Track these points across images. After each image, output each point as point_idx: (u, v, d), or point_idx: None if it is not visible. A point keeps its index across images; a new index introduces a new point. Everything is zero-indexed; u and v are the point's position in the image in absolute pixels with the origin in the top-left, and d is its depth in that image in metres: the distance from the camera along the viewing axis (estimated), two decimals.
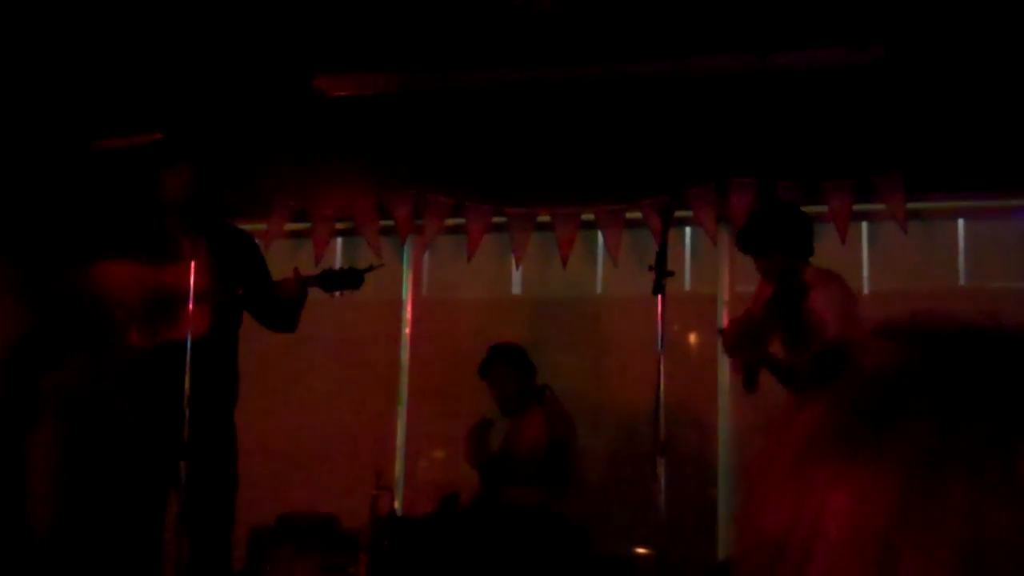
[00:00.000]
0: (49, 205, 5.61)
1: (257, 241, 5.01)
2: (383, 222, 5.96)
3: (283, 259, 5.82)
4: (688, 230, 5.81)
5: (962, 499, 0.52)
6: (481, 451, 5.29)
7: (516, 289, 6.22)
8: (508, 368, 5.26)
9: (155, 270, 4.18)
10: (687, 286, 5.82)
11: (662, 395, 3.84)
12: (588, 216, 5.76)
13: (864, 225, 5.70)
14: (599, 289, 6.08)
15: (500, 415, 5.33)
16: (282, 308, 4.32)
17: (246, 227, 4.91)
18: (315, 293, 4.37)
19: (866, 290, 5.73)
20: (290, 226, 6.07)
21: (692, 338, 5.78)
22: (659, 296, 3.88)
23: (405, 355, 6.14)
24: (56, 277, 4.35)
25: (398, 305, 6.19)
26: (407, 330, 6.17)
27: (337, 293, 4.27)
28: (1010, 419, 0.54)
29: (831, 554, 0.54)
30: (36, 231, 5.33)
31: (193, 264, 3.97)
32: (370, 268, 4.30)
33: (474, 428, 5.33)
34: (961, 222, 5.70)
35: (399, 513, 5.50)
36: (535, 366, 5.31)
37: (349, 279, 4.24)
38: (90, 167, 5.82)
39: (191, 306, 3.95)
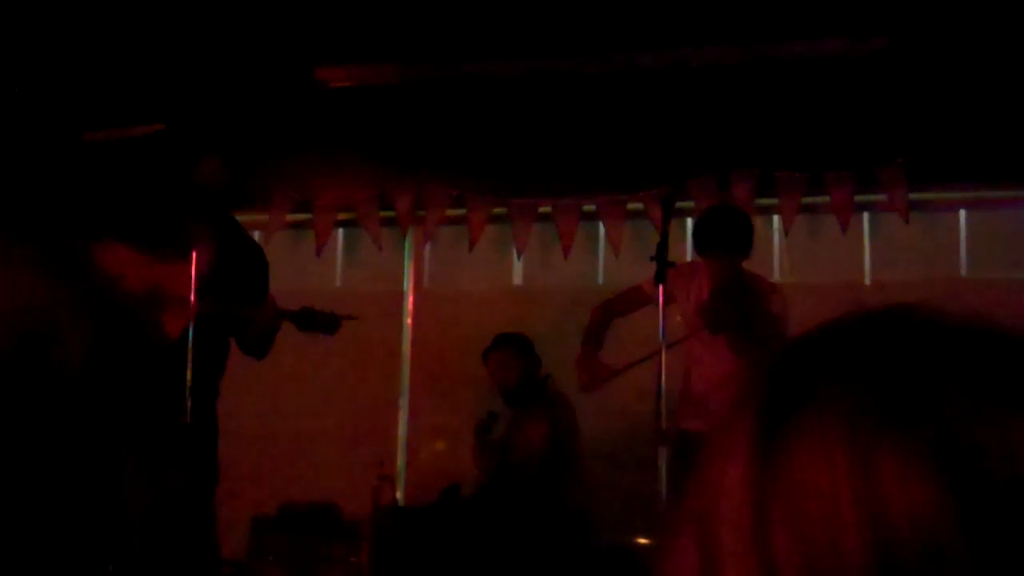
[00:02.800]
0: (57, 194, 5.61)
1: (258, 232, 4.97)
2: (384, 213, 5.96)
3: (284, 251, 5.83)
4: (689, 221, 5.79)
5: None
6: (485, 448, 5.30)
7: (517, 280, 6.22)
8: (510, 356, 5.26)
9: (154, 265, 4.15)
10: None
11: (664, 385, 3.84)
12: (589, 207, 5.76)
13: (865, 216, 5.70)
14: (600, 280, 6.08)
15: (503, 404, 5.34)
16: (253, 333, 4.21)
17: (247, 218, 4.89)
18: (317, 283, 4.35)
19: (867, 281, 5.73)
20: (291, 217, 6.07)
21: None
22: (660, 286, 3.89)
23: (407, 346, 6.15)
24: (76, 266, 4.32)
25: (400, 296, 6.19)
26: (408, 321, 6.18)
27: (309, 333, 4.18)
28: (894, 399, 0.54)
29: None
30: (48, 220, 5.33)
31: (194, 263, 3.93)
32: (349, 317, 4.19)
33: (478, 426, 5.32)
34: (963, 212, 5.70)
35: (401, 503, 5.51)
36: (540, 359, 5.31)
37: (325, 324, 4.14)
38: (92, 158, 5.83)
39: (180, 304, 3.90)
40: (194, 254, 3.98)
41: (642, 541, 4.89)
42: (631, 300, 4.55)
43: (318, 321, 4.14)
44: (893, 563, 0.49)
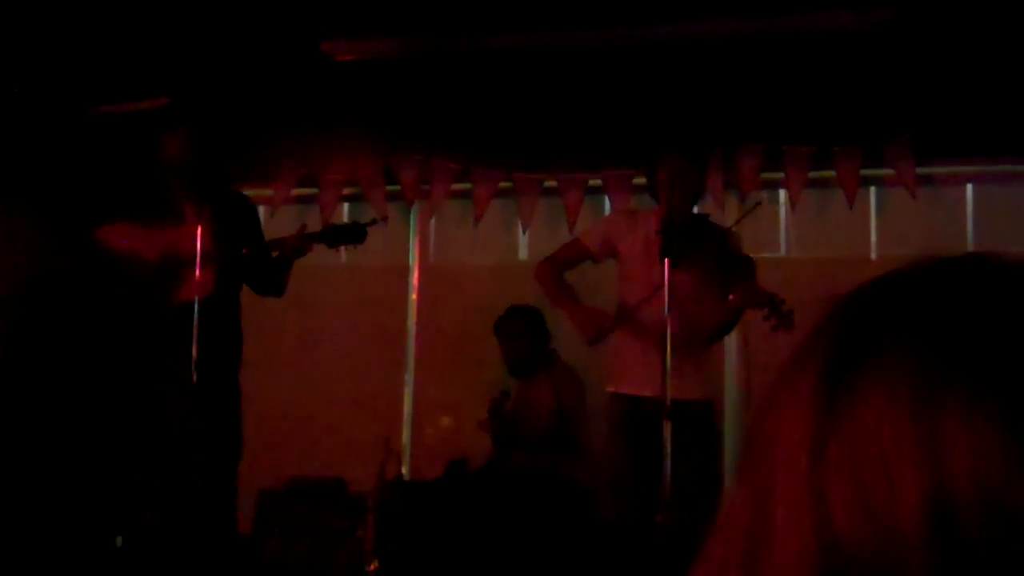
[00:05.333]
0: (53, 170, 5.61)
1: (263, 207, 4.99)
2: (390, 187, 5.95)
3: (289, 224, 5.81)
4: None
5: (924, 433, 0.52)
6: (499, 424, 5.29)
7: (523, 255, 6.21)
8: (523, 326, 5.26)
9: (159, 233, 4.18)
10: None
11: (669, 359, 3.84)
12: (595, 181, 5.75)
13: (872, 190, 5.68)
14: None
15: (508, 375, 5.33)
16: (275, 269, 4.31)
17: (253, 192, 4.91)
18: (323, 259, 4.36)
19: (873, 255, 5.71)
20: (297, 191, 6.07)
21: None
22: (666, 260, 3.88)
23: (412, 320, 6.15)
24: (72, 240, 4.35)
25: (405, 271, 6.19)
26: (414, 296, 6.18)
27: (341, 248, 4.24)
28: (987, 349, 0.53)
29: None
30: (44, 195, 5.34)
31: (198, 226, 3.98)
32: (373, 222, 4.26)
33: (492, 406, 5.29)
34: (970, 187, 5.67)
35: (407, 477, 5.53)
36: (550, 333, 5.31)
37: (352, 234, 4.21)
38: (92, 132, 5.82)
39: (197, 268, 3.95)
40: (190, 215, 4.04)
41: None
42: (572, 253, 4.54)
43: (344, 233, 4.19)
44: (949, 511, 0.50)
